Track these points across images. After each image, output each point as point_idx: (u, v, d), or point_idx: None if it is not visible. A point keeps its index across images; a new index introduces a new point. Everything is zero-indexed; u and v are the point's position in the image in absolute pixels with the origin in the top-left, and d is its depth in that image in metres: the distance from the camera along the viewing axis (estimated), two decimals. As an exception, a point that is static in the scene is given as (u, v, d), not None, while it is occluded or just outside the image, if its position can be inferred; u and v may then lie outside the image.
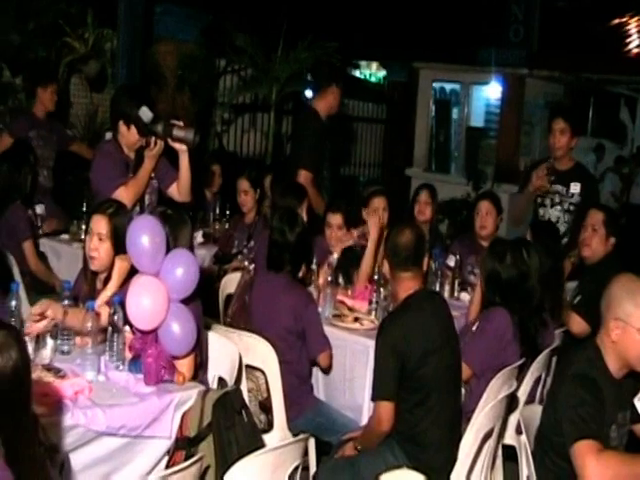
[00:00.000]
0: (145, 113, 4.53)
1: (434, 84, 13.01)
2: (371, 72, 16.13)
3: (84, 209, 5.56)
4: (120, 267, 3.66)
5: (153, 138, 4.57)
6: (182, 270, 3.32)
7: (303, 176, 5.98)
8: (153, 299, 3.25)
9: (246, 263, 4.92)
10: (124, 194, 4.52)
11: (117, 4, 7.83)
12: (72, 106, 8.22)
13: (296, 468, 2.91)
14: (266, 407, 3.83)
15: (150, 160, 4.67)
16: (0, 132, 6.99)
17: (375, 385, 3.55)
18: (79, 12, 8.09)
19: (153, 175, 4.79)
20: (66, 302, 3.47)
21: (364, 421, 4.05)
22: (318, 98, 6.40)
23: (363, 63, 15.48)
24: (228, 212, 6.53)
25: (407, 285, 3.64)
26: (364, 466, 3.50)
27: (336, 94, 6.32)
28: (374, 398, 3.54)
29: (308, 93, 11.18)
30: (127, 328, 3.42)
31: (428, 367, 3.49)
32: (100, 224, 3.75)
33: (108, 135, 5.55)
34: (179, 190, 4.82)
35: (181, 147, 4.60)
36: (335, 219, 5.10)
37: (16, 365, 1.98)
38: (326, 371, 4.30)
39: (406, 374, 3.49)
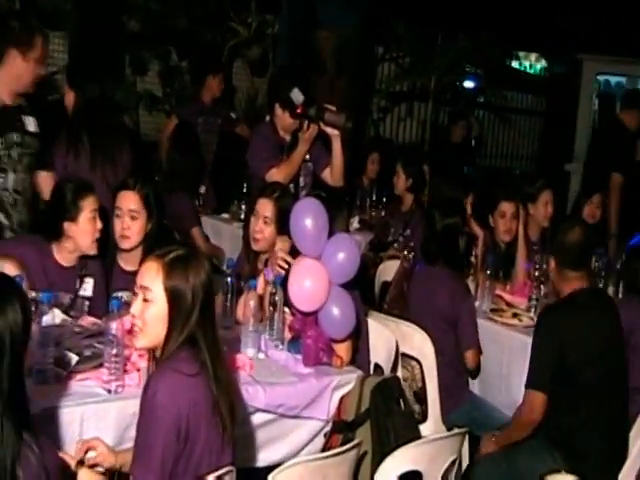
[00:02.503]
0: (296, 95, 4.59)
1: (598, 77, 12.55)
2: (530, 63, 15.76)
3: (244, 189, 5.69)
4: (281, 247, 3.71)
5: (306, 122, 4.62)
6: (344, 254, 3.35)
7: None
8: (315, 281, 3.29)
9: (405, 252, 4.89)
10: (276, 176, 4.60)
11: (280, -10, 7.98)
12: (236, 91, 8.42)
13: (452, 462, 2.87)
14: (420, 397, 3.78)
15: (304, 143, 4.72)
16: (169, 114, 7.29)
17: (529, 374, 3.47)
18: (243, -2, 8.27)
19: (307, 158, 4.83)
20: (229, 280, 3.56)
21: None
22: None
23: (522, 54, 15.12)
24: (385, 199, 6.53)
25: (574, 284, 3.53)
26: (522, 463, 3.43)
27: None
28: (527, 386, 3.45)
29: (467, 83, 11.03)
30: (286, 309, 3.48)
31: (590, 370, 3.37)
32: (266, 207, 3.82)
33: (268, 118, 5.67)
34: (332, 174, 4.85)
35: (333, 132, 4.62)
36: (510, 208, 4.94)
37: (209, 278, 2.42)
38: (472, 371, 4.20)
39: (565, 373, 3.38)
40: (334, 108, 4.64)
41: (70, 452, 2.48)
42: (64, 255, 3.57)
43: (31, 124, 4.08)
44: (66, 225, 3.53)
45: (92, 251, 3.57)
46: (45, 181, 4.18)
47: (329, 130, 4.63)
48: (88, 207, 3.54)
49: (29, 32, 3.99)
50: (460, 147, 8.57)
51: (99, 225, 3.59)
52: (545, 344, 3.44)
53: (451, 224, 4.24)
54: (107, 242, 3.75)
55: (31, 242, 3.64)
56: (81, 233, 3.54)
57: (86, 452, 2.49)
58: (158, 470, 2.31)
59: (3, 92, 3.99)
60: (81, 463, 2.43)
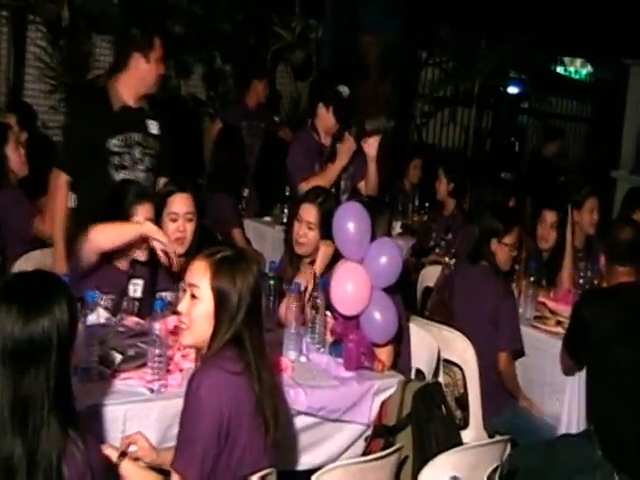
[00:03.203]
0: (344, 89, 4.63)
1: (645, 82, 12.38)
2: (576, 68, 15.61)
3: (287, 193, 5.71)
4: (324, 252, 3.72)
5: (347, 134, 4.68)
6: (386, 259, 3.35)
7: None
8: (357, 285, 3.30)
9: (446, 258, 4.89)
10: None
11: (324, -5, 8.01)
12: (280, 95, 8.47)
13: (494, 469, 2.85)
14: (462, 404, 3.77)
15: (342, 156, 4.78)
16: (214, 118, 7.36)
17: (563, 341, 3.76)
18: (287, 2, 8.30)
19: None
20: (272, 283, 3.58)
21: (562, 427, 3.93)
22: None
23: (567, 59, 14.99)
24: (427, 204, 6.52)
25: (621, 278, 3.64)
26: (561, 450, 3.50)
27: None
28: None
29: (511, 89, 10.97)
30: (327, 312, 3.48)
31: (625, 350, 3.43)
32: (310, 213, 3.84)
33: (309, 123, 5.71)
34: (366, 188, 4.93)
35: (370, 153, 4.75)
36: (551, 216, 4.92)
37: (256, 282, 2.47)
38: (502, 376, 4.13)
39: (596, 351, 3.50)
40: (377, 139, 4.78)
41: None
42: (120, 258, 3.56)
43: (154, 127, 4.19)
44: None
45: (143, 257, 3.56)
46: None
47: (366, 149, 4.75)
48: (143, 213, 3.54)
49: (149, 34, 4.11)
50: (551, 162, 8.48)
51: None
52: (574, 319, 3.66)
53: (491, 228, 4.25)
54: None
55: None
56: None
57: (128, 446, 2.52)
58: (199, 464, 2.34)
59: (128, 95, 4.11)
60: (123, 455, 2.46)
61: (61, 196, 4.09)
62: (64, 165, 4.11)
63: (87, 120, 4.08)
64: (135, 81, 4.10)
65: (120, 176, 4.00)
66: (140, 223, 3.46)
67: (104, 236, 3.38)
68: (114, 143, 4.03)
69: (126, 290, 3.52)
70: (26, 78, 7.31)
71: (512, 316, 4.15)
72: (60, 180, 4.09)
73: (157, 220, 3.63)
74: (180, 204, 3.68)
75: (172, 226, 3.64)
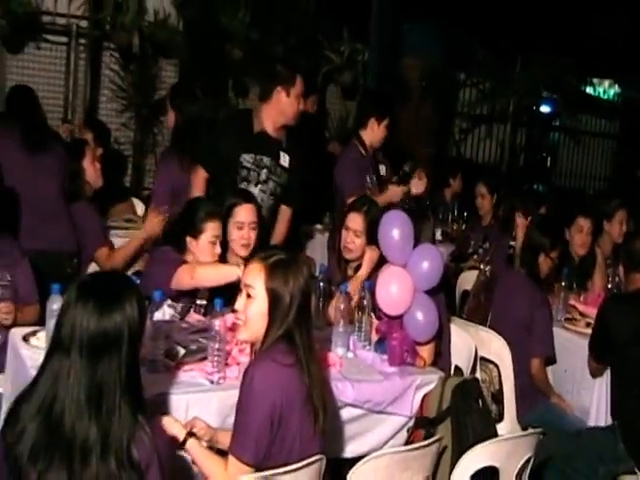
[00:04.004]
0: None
1: (671, 101, 12.18)
2: (604, 89, 15.40)
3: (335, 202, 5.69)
4: (370, 257, 3.71)
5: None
6: (428, 263, 3.33)
7: None
8: (400, 288, 3.29)
9: (482, 266, 4.85)
10: None
11: (369, 21, 8.00)
12: (329, 113, 8.48)
13: (527, 460, 2.81)
14: (497, 399, 3.73)
15: (390, 197, 4.85)
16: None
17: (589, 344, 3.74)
18: (336, 28, 8.32)
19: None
20: (322, 285, 3.58)
21: (591, 421, 3.88)
22: None
23: (596, 80, 14.81)
24: (465, 214, 6.49)
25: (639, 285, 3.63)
26: (586, 439, 3.50)
27: None
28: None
29: (543, 108, 10.87)
30: (372, 313, 3.47)
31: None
32: (357, 221, 3.83)
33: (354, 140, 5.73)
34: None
35: (418, 191, 4.96)
36: (586, 223, 4.83)
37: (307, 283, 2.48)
38: (534, 379, 4.07)
39: (618, 354, 3.48)
40: (424, 177, 4.90)
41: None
42: None
43: (285, 160, 4.37)
44: (189, 239, 3.58)
45: None
46: (284, 213, 4.43)
47: (414, 191, 4.95)
48: (211, 231, 3.57)
49: (291, 72, 4.30)
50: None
51: (218, 251, 3.59)
52: (598, 322, 3.65)
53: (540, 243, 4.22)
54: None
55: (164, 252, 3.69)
56: (200, 251, 3.57)
57: (191, 428, 2.54)
58: (253, 449, 2.35)
59: (268, 124, 4.31)
60: (189, 435, 2.48)
61: (197, 191, 4.26)
62: (205, 163, 4.28)
63: (230, 133, 4.31)
64: (275, 112, 4.26)
65: (242, 187, 4.19)
66: (239, 266, 3.35)
67: (207, 279, 3.44)
68: (245, 158, 4.23)
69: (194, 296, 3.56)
70: (101, 99, 7.45)
71: (546, 324, 4.09)
72: (199, 175, 4.30)
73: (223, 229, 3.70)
74: (246, 214, 3.73)
75: (238, 233, 3.70)
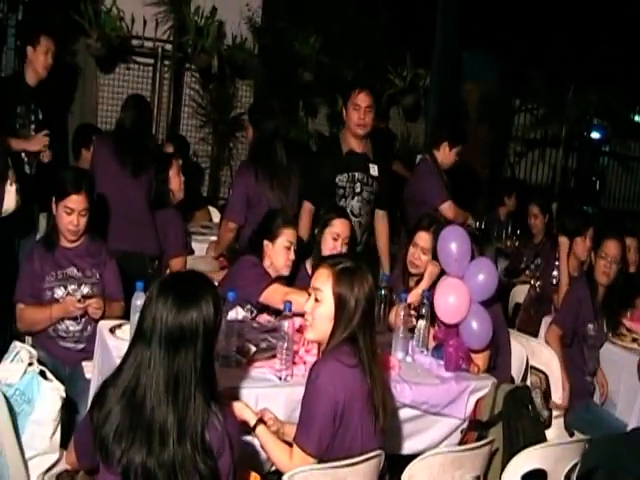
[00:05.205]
0: None
1: None
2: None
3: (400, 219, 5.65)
4: (432, 271, 3.65)
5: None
6: (483, 276, 3.31)
7: None
8: (457, 298, 3.27)
9: (532, 281, 4.79)
10: (447, 211, 4.79)
11: (432, 48, 7.99)
12: (395, 133, 8.47)
13: (574, 465, 2.76)
14: (547, 398, 3.67)
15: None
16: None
17: None
18: (400, 54, 8.32)
19: None
20: (384, 292, 3.59)
21: (632, 423, 3.85)
22: None
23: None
24: (518, 231, 6.42)
25: None
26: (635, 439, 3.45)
27: None
28: None
29: (594, 134, 10.70)
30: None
31: None
32: (424, 239, 3.83)
33: (418, 157, 5.69)
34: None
35: None
36: (633, 242, 4.70)
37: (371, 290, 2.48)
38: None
39: None
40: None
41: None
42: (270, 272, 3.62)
43: (374, 170, 4.55)
44: (265, 242, 3.62)
45: (285, 272, 3.65)
46: (380, 217, 4.62)
47: None
48: (286, 236, 3.62)
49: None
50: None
51: (292, 256, 3.63)
52: None
53: None
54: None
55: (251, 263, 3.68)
56: (275, 255, 3.61)
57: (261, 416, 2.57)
58: (316, 441, 2.37)
59: (352, 142, 4.50)
60: (259, 422, 2.51)
61: (304, 222, 4.39)
62: (309, 196, 4.46)
63: (325, 162, 4.54)
64: (349, 131, 4.48)
65: (340, 203, 4.41)
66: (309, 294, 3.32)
67: (299, 305, 3.36)
68: (340, 179, 4.45)
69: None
70: (182, 115, 7.57)
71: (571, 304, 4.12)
72: (305, 209, 4.47)
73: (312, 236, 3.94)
74: (343, 228, 3.87)
75: (332, 243, 3.84)
